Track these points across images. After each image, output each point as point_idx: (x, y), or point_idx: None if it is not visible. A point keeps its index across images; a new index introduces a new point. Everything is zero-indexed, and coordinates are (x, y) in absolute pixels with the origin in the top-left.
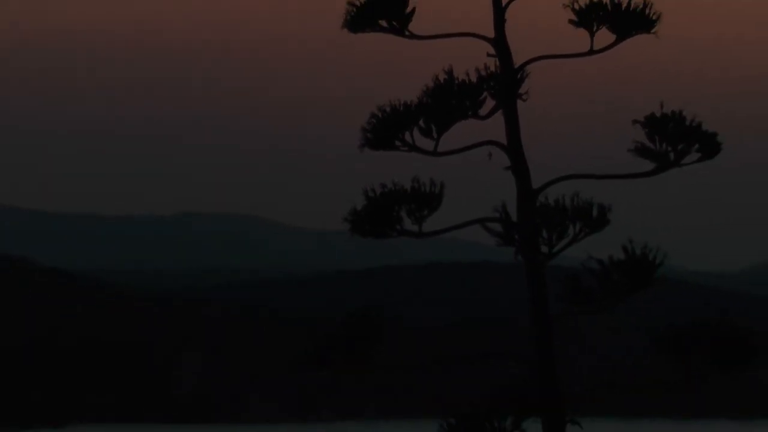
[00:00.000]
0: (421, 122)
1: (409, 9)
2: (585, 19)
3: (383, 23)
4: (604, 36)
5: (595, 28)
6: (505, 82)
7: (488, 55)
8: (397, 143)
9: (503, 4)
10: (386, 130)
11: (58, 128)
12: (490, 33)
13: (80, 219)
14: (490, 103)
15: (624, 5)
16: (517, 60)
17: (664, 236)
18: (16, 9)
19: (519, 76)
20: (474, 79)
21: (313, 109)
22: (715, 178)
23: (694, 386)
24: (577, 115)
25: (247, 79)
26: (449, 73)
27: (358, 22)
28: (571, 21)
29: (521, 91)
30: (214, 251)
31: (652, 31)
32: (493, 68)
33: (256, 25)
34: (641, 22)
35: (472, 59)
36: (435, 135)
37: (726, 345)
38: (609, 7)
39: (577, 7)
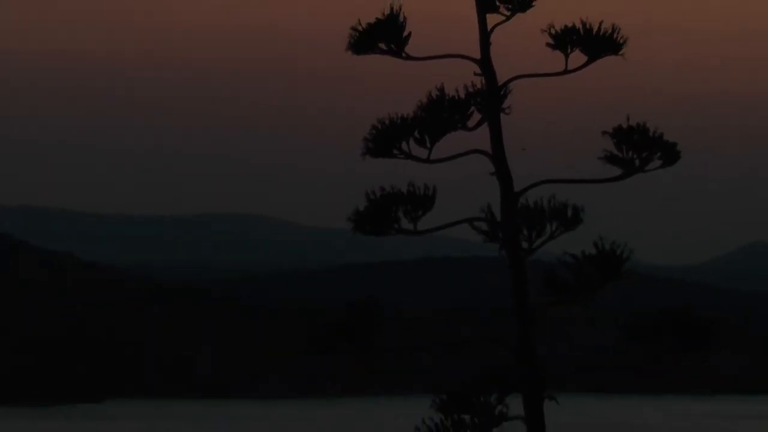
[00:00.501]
0: (416, 133)
1: (405, 33)
2: (560, 42)
3: (383, 46)
4: (578, 57)
5: (569, 51)
6: (489, 98)
7: (475, 74)
8: (395, 152)
9: (488, 29)
10: (385, 140)
11: (91, 142)
12: (477, 54)
13: (113, 219)
14: (476, 117)
15: (594, 30)
16: (501, 78)
17: (632, 234)
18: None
19: (502, 92)
20: (462, 95)
21: (317, 122)
22: (676, 183)
23: (660, 368)
24: (555, 124)
25: (265, 98)
26: (441, 90)
27: (360, 45)
28: (548, 44)
29: (504, 105)
30: (230, 248)
31: (620, 53)
32: (479, 86)
33: (268, 45)
34: (610, 46)
35: (461, 78)
36: (428, 144)
37: (688, 332)
38: (581, 31)
39: (553, 32)
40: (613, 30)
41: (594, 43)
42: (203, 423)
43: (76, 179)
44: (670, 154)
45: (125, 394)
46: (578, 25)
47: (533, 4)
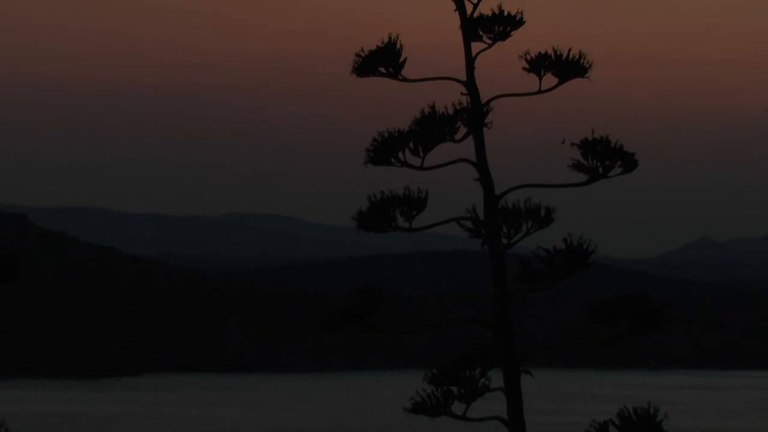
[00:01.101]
0: (410, 144)
1: (401, 59)
2: (534, 67)
3: (382, 70)
4: (550, 80)
5: (542, 74)
6: (474, 114)
7: (462, 93)
8: (393, 160)
9: (473, 56)
10: (384, 150)
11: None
12: (463, 77)
13: (151, 218)
14: (463, 130)
15: (564, 56)
16: (484, 97)
17: (596, 231)
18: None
19: (485, 110)
20: (451, 112)
21: (325, 135)
22: (634, 187)
23: (618, 346)
24: (530, 138)
25: (282, 118)
26: (432, 107)
27: (363, 69)
28: (524, 68)
29: (486, 121)
30: (253, 242)
31: (586, 76)
32: (465, 104)
33: (291, 70)
34: (577, 70)
35: (450, 97)
36: (421, 154)
37: (642, 315)
38: (552, 57)
39: (528, 58)
40: (580, 56)
41: (563, 67)
42: (229, 393)
43: (123, 186)
44: (628, 162)
45: (162, 369)
46: (550, 52)
47: (511, 33)
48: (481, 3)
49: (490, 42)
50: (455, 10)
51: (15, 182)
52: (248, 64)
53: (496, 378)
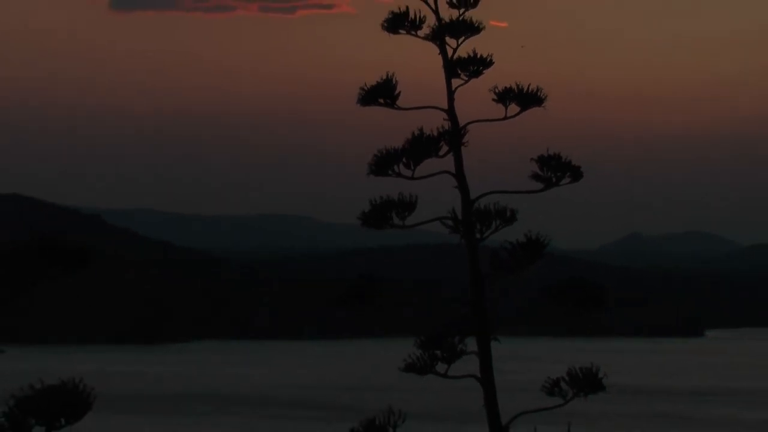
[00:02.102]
0: (403, 159)
1: (396, 92)
2: (501, 98)
3: (381, 101)
4: (514, 108)
5: (507, 104)
6: (453, 135)
7: (444, 119)
8: (389, 172)
9: (453, 89)
10: (383, 164)
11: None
12: (445, 106)
13: (200, 217)
14: (445, 148)
15: (525, 90)
16: (461, 122)
17: (550, 228)
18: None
19: (462, 132)
20: (435, 134)
21: (336, 151)
22: (580, 193)
23: (568, 319)
24: (498, 155)
25: (304, 136)
26: (420, 130)
27: (365, 100)
28: (493, 99)
29: (464, 141)
30: (278, 237)
31: (543, 105)
32: (446, 127)
33: (309, 102)
34: (535, 100)
35: (435, 122)
36: (412, 167)
37: (586, 295)
38: (515, 90)
39: (496, 91)
40: (538, 89)
41: (524, 98)
42: (260, 357)
43: (178, 188)
44: (575, 174)
45: (208, 337)
46: (514, 86)
47: (483, 72)
48: (458, 48)
49: (467, 78)
50: (439, 54)
51: (91, 187)
52: (286, 98)
53: (472, 344)
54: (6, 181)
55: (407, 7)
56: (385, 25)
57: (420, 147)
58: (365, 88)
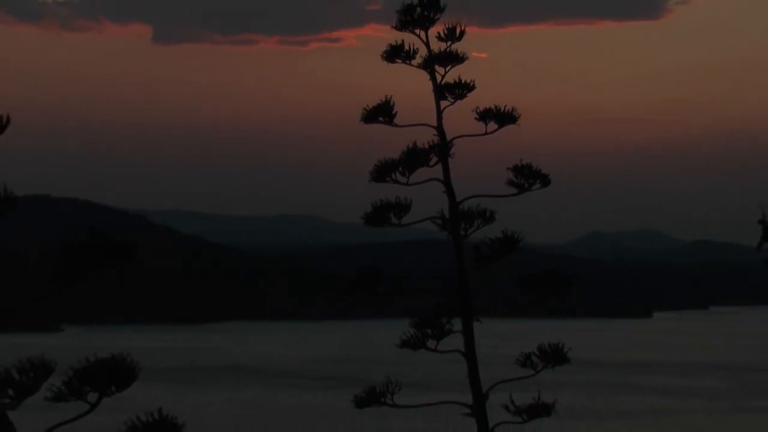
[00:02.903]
0: (399, 168)
1: (394, 112)
2: (482, 117)
3: (381, 119)
4: (492, 125)
5: (487, 122)
6: (442, 149)
7: (433, 135)
8: (388, 179)
9: (441, 109)
10: (382, 172)
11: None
12: (434, 123)
13: (227, 217)
14: (435, 159)
15: (502, 110)
16: (449, 136)
17: (523, 226)
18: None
19: (449, 145)
20: (426, 147)
21: (344, 163)
22: (550, 197)
23: (541, 303)
24: (480, 165)
25: (319, 149)
26: (414, 144)
27: (368, 118)
28: (475, 118)
29: (450, 153)
30: (294, 234)
31: (517, 123)
32: (436, 141)
33: (317, 119)
34: (510, 119)
35: (426, 136)
36: (407, 175)
37: (557, 283)
38: (494, 111)
39: (478, 111)
40: (513, 110)
41: (501, 117)
42: (275, 335)
43: (211, 192)
44: (544, 180)
45: (234, 318)
46: (492, 107)
47: (467, 95)
48: (446, 75)
49: (453, 100)
50: (429, 80)
51: (138, 191)
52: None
53: (457, 324)
54: (68, 186)
55: (402, 41)
56: (384, 55)
57: (413, 158)
58: (367, 108)
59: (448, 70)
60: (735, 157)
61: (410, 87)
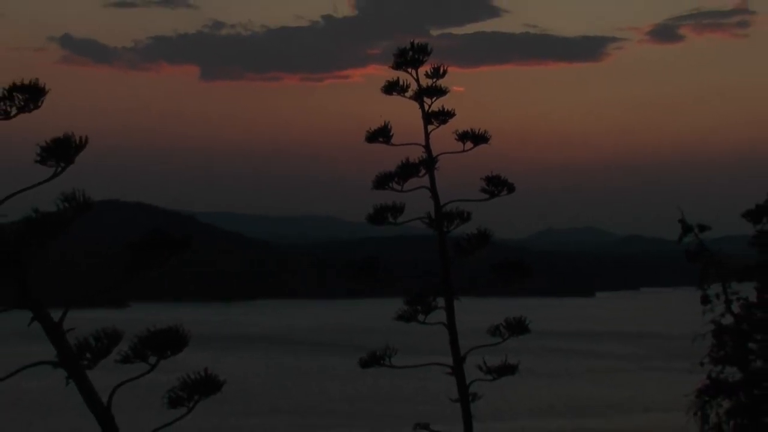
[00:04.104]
0: (395, 179)
1: (391, 133)
2: (461, 137)
3: (381, 139)
4: (469, 144)
5: (464, 142)
6: (429, 163)
7: (423, 152)
8: (386, 187)
9: (428, 131)
10: (382, 182)
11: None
12: (423, 143)
13: (259, 217)
14: (423, 171)
15: (476, 132)
16: (435, 153)
17: (493, 224)
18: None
19: (435, 160)
20: (417, 161)
21: (353, 174)
22: (514, 201)
23: (506, 285)
24: (459, 175)
25: (334, 164)
26: (407, 159)
27: (370, 139)
28: (455, 138)
29: (436, 166)
30: (312, 231)
31: (488, 142)
32: (424, 157)
33: (332, 139)
34: (482, 139)
35: (416, 153)
36: (401, 184)
37: (518, 269)
38: (470, 133)
39: (457, 133)
40: (485, 132)
41: (476, 138)
42: (299, 310)
43: (248, 197)
44: (510, 188)
45: (267, 297)
46: (469, 130)
47: (449, 121)
48: (432, 105)
49: (438, 125)
50: (419, 109)
51: (188, 196)
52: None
53: (441, 302)
54: (135, 193)
55: (398, 78)
56: (383, 89)
57: (406, 170)
58: (370, 131)
59: (434, 101)
60: (660, 169)
61: (404, 114)
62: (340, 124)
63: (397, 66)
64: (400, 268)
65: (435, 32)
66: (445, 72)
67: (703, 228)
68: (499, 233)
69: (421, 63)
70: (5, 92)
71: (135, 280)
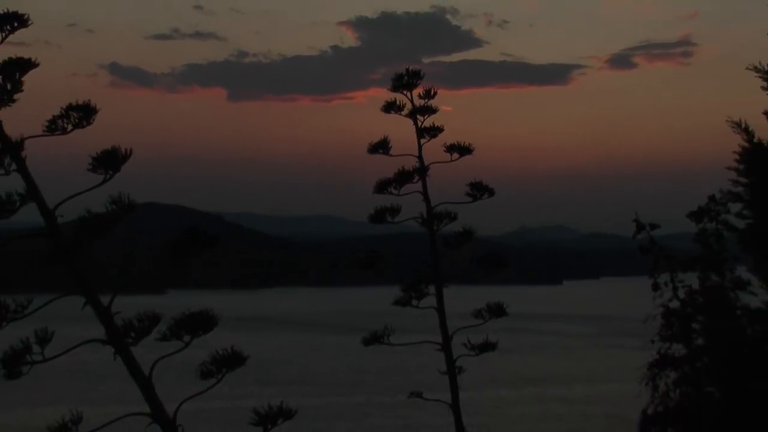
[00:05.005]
0: (393, 184)
1: (389, 146)
2: (448, 149)
3: (380, 151)
4: (456, 155)
5: (452, 153)
6: (421, 171)
7: (416, 162)
8: (385, 191)
9: (421, 144)
10: (381, 187)
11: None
12: (416, 154)
13: (278, 218)
14: (417, 178)
15: (462, 144)
16: (426, 162)
17: (476, 222)
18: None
19: (426, 168)
20: (411, 169)
21: (357, 181)
22: (494, 204)
23: (488, 275)
24: (447, 182)
25: (342, 175)
26: (402, 167)
27: (371, 150)
28: (444, 150)
29: (427, 174)
30: (323, 227)
31: (472, 153)
32: (417, 166)
33: (339, 152)
34: (468, 151)
35: (411, 162)
36: (398, 188)
37: (496, 261)
38: (456, 145)
39: (445, 145)
40: (469, 145)
41: (461, 150)
42: (311, 296)
43: (268, 200)
44: (491, 192)
45: (283, 285)
46: (455, 143)
47: (438, 135)
48: (424, 122)
49: (429, 138)
50: (413, 125)
51: (215, 196)
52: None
53: (432, 289)
54: (172, 196)
55: (395, 99)
56: (383, 109)
57: (402, 177)
58: (371, 144)
59: (426, 118)
60: (618, 176)
61: (400, 130)
62: (346, 137)
63: (394, 89)
64: (397, 260)
65: (426, 60)
66: (435, 94)
67: (653, 226)
68: (482, 231)
69: (414, 86)
70: (62, 111)
71: (172, 271)
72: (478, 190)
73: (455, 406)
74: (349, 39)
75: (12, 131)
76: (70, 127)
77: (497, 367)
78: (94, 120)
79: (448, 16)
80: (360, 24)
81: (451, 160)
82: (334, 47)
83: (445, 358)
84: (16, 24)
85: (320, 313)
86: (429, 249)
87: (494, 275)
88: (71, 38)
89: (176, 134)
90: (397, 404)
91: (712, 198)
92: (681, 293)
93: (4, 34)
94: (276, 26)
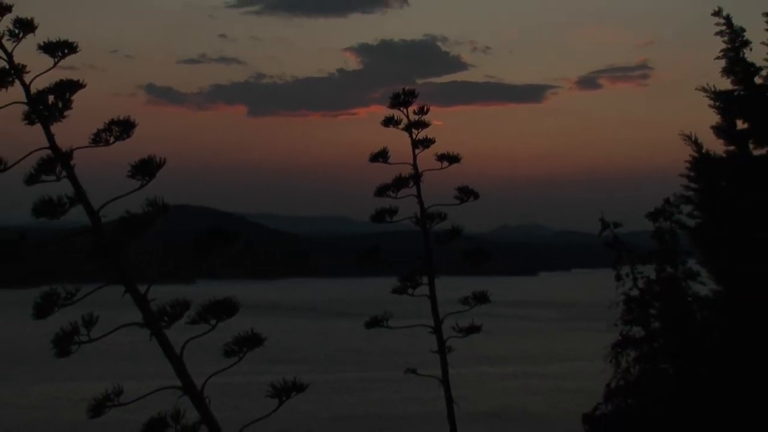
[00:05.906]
0: (391, 188)
1: (388, 155)
2: (439, 159)
3: (380, 160)
4: (446, 164)
5: (442, 161)
6: (416, 177)
7: (411, 169)
8: (385, 195)
9: (415, 154)
10: (382, 191)
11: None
12: (411, 162)
13: (291, 218)
14: (412, 183)
15: (449, 154)
16: (420, 170)
17: (464, 221)
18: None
19: (420, 175)
20: (407, 176)
21: (361, 186)
22: (479, 204)
23: (473, 267)
24: (438, 186)
25: (349, 184)
26: (400, 174)
27: (372, 159)
28: (435, 159)
29: (421, 180)
30: (331, 227)
31: (459, 162)
32: (412, 173)
33: (343, 162)
34: (456, 159)
35: (407, 170)
36: (396, 192)
37: (484, 255)
38: (446, 155)
39: (436, 155)
40: (457, 154)
41: (450, 159)
42: (319, 286)
43: (284, 203)
44: (476, 195)
45: (294, 276)
46: (445, 152)
47: (430, 146)
48: (419, 134)
49: (423, 149)
50: (409, 137)
51: (238, 198)
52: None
53: (425, 280)
54: (200, 199)
55: (393, 115)
56: (382, 123)
57: (399, 183)
58: (372, 153)
59: (420, 132)
60: (587, 181)
61: (397, 141)
62: (351, 148)
63: (392, 106)
64: (395, 255)
65: (420, 81)
66: (428, 110)
67: (617, 225)
68: (468, 229)
69: (410, 103)
70: (106, 126)
71: (200, 263)
72: (465, 193)
73: (445, 381)
74: (352, 63)
75: (62, 143)
76: (112, 140)
77: (482, 347)
78: (132, 133)
79: (439, 43)
80: (362, 50)
81: (442, 168)
82: (340, 70)
83: (437, 339)
84: (66, 51)
85: (328, 301)
86: (423, 245)
87: (479, 267)
88: (113, 63)
89: (204, 145)
90: (395, 379)
91: (667, 201)
92: (640, 283)
93: (56, 59)
94: (289, 52)
